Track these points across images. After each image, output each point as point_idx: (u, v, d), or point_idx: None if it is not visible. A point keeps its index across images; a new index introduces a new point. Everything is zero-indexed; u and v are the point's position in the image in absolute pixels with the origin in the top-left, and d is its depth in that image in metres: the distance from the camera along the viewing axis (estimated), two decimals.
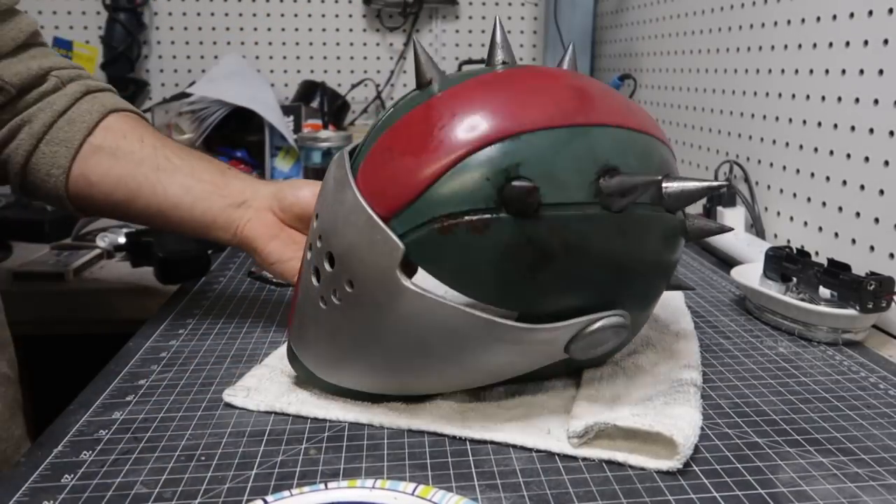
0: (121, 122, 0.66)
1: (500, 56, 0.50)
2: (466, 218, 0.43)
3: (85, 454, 0.46)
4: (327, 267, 0.48)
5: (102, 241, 1.02)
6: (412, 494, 0.38)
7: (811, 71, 0.82)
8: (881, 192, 0.71)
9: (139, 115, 0.70)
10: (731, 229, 0.57)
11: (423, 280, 0.45)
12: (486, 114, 0.44)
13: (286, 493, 0.38)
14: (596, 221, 0.44)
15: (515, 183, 0.43)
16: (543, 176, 0.43)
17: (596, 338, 0.47)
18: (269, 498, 0.38)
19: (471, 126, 0.44)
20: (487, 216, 0.43)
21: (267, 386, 0.54)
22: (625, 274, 0.47)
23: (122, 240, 1.01)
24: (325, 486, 0.39)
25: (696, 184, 0.47)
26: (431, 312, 0.45)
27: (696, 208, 1.04)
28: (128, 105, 0.69)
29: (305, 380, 0.53)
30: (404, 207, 0.44)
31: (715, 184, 0.48)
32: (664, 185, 0.47)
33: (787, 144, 0.87)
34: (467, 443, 0.47)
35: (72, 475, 0.44)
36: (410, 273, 0.46)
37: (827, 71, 0.79)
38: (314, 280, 0.49)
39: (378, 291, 0.45)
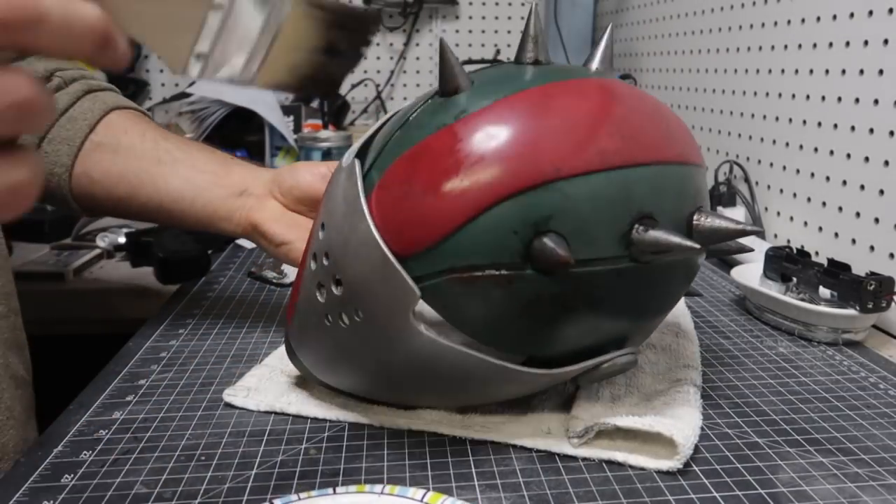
0: (122, 118, 0.67)
1: (530, 52, 0.46)
2: (489, 272, 0.41)
3: (85, 454, 0.46)
4: (335, 290, 0.45)
5: (102, 241, 1.02)
6: (421, 501, 0.38)
7: (811, 71, 0.82)
8: (881, 192, 0.71)
9: (141, 112, 0.70)
10: (751, 250, 0.56)
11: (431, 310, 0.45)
12: (518, 154, 0.41)
13: (294, 496, 0.38)
14: (623, 275, 0.42)
15: (546, 240, 0.40)
16: (575, 230, 0.40)
17: (603, 373, 0.46)
18: (278, 502, 0.38)
19: (500, 168, 0.40)
20: (512, 272, 0.41)
21: (267, 386, 0.54)
22: (643, 317, 0.47)
23: (122, 240, 1.01)
24: (334, 490, 0.39)
25: (728, 224, 0.45)
26: (442, 356, 0.43)
27: None
28: (129, 103, 0.69)
29: (303, 375, 0.53)
30: (422, 251, 0.42)
31: (750, 228, 0.45)
32: (695, 219, 0.45)
33: (787, 144, 0.87)
34: (467, 443, 0.47)
35: (72, 475, 0.44)
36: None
37: (827, 71, 0.79)
38: (319, 296, 0.47)
39: (389, 328, 0.44)
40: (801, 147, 0.84)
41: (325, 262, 0.46)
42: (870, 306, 0.61)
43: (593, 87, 0.45)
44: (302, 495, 0.38)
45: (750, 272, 0.73)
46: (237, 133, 1.42)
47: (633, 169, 0.42)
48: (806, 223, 0.84)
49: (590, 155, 0.41)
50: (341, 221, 0.45)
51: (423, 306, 0.43)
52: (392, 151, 0.44)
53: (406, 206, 0.42)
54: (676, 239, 0.41)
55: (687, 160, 0.46)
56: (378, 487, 0.39)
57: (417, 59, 1.68)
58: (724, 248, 0.52)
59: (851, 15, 0.75)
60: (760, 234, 0.91)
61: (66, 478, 0.44)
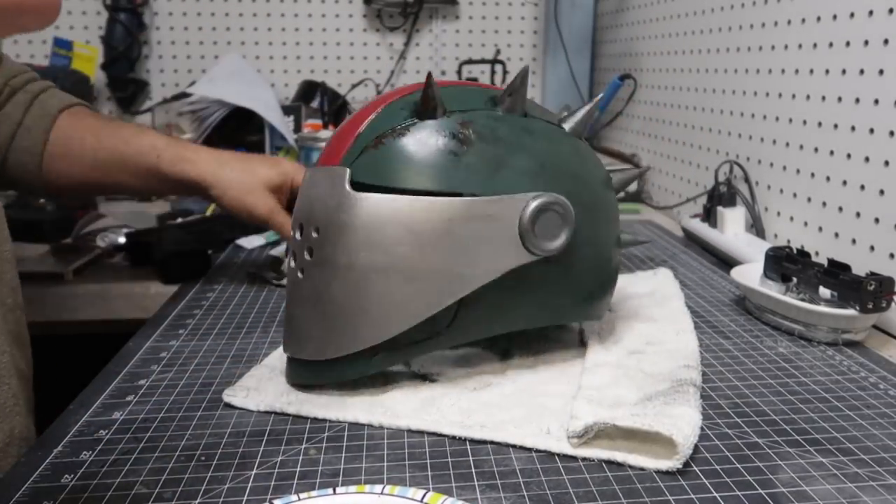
0: (71, 118, 0.74)
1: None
2: (389, 131, 0.52)
3: (85, 454, 0.46)
4: (297, 236, 0.54)
5: (102, 241, 1.02)
6: (420, 502, 0.38)
7: (811, 71, 0.82)
8: (881, 192, 0.71)
9: (84, 106, 0.76)
10: (648, 168, 0.65)
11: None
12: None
13: (294, 497, 0.38)
14: (498, 119, 0.54)
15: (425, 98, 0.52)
16: (447, 98, 0.53)
17: (542, 221, 0.52)
18: (278, 502, 0.38)
19: (389, 94, 0.56)
20: (406, 124, 0.53)
21: (267, 386, 0.54)
22: (544, 165, 0.54)
23: (122, 240, 1.01)
24: (334, 490, 0.39)
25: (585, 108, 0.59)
26: (384, 209, 0.50)
27: (696, 208, 1.04)
28: (70, 99, 0.75)
29: (310, 381, 0.54)
30: (346, 151, 0.53)
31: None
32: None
33: (788, 144, 0.87)
34: (467, 443, 0.47)
35: (72, 475, 0.44)
36: None
37: (827, 71, 0.79)
38: (292, 262, 0.55)
39: (338, 214, 0.51)
40: (801, 147, 0.84)
41: (297, 236, 0.54)
42: (870, 306, 0.61)
43: None
44: (302, 496, 0.38)
45: (750, 272, 0.73)
46: (237, 133, 1.42)
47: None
48: (806, 223, 0.84)
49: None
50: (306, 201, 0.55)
51: None
52: None
53: (332, 141, 0.56)
54: (520, 80, 0.55)
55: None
56: (378, 488, 0.39)
57: (417, 59, 1.68)
58: (625, 175, 0.64)
59: (851, 15, 0.75)
60: (760, 234, 0.91)
61: (66, 478, 0.44)
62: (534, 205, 0.52)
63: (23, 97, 0.72)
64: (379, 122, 0.54)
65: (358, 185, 0.51)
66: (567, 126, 0.58)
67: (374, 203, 0.51)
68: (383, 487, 0.39)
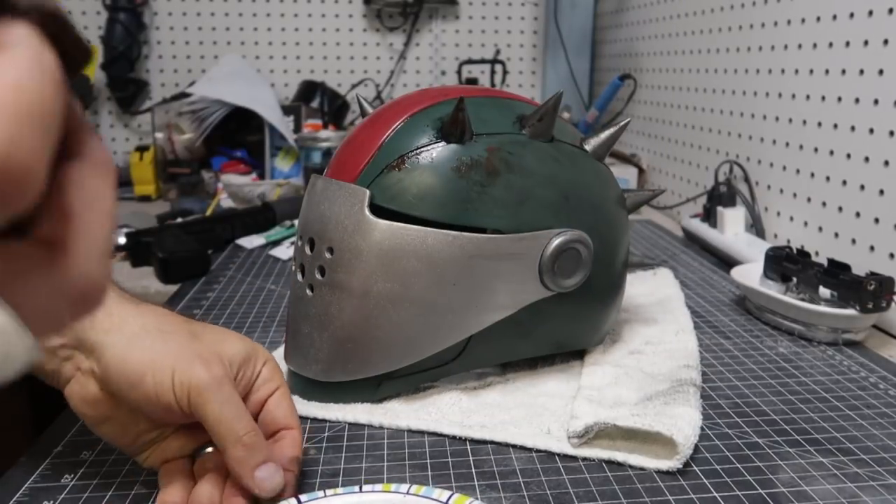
0: None
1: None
2: (414, 152, 0.50)
3: (85, 454, 0.46)
4: (308, 251, 0.52)
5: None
6: (446, 503, 0.37)
7: (811, 71, 0.82)
8: (881, 192, 0.71)
9: None
10: (663, 191, 0.64)
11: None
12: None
13: (320, 493, 0.38)
14: (525, 145, 0.52)
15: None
16: (474, 113, 0.51)
17: (562, 259, 0.51)
18: (303, 497, 0.38)
19: (411, 102, 0.53)
20: (431, 146, 0.50)
21: None
22: (568, 197, 0.53)
23: (122, 240, 1.01)
24: (360, 488, 0.39)
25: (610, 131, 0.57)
26: (405, 240, 0.49)
27: (696, 208, 1.04)
28: None
29: (312, 399, 0.53)
30: (365, 166, 0.51)
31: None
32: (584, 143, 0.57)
33: (787, 144, 0.87)
34: (467, 443, 0.47)
35: (72, 475, 0.44)
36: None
37: (827, 71, 0.79)
38: (300, 276, 0.53)
39: (354, 239, 0.49)
40: (801, 147, 0.84)
41: (306, 250, 0.52)
42: (870, 306, 0.61)
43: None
44: (328, 492, 0.38)
45: (750, 272, 0.73)
46: (237, 133, 1.42)
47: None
48: (806, 223, 0.84)
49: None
50: (310, 211, 0.53)
51: None
52: None
53: (347, 149, 0.54)
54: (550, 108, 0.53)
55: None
56: (404, 487, 0.39)
57: (417, 59, 1.68)
58: (640, 197, 0.61)
59: (851, 15, 0.75)
60: (760, 234, 0.91)
61: (66, 478, 0.44)
62: (556, 242, 0.51)
63: None
64: (401, 138, 0.51)
65: (376, 208, 0.50)
66: (589, 148, 0.57)
67: (395, 232, 0.49)
68: (409, 487, 0.38)
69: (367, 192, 0.50)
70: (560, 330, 0.55)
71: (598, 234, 0.53)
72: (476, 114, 0.51)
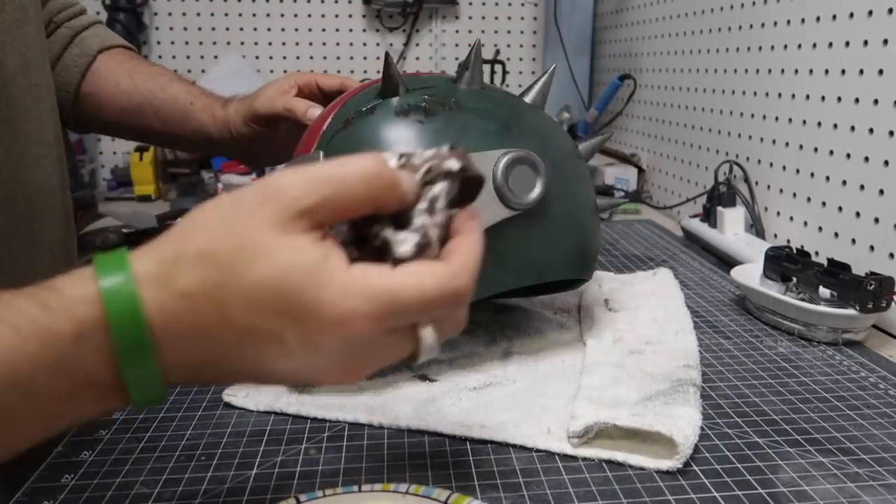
0: (109, 61, 0.74)
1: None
2: (358, 113, 0.55)
3: (85, 454, 0.46)
4: None
5: (102, 242, 1.02)
6: (445, 503, 0.37)
7: (811, 71, 0.82)
8: (881, 192, 0.71)
9: (127, 49, 0.77)
10: (611, 134, 0.69)
11: None
12: None
13: (319, 493, 0.38)
14: (459, 91, 0.57)
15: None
16: (410, 83, 0.57)
17: (514, 175, 0.53)
18: (302, 497, 0.38)
19: (357, 86, 0.62)
20: (372, 104, 0.56)
21: (267, 386, 0.54)
22: (510, 127, 0.55)
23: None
24: (359, 488, 0.39)
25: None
26: None
27: (696, 208, 1.04)
28: (112, 40, 0.75)
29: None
30: (318, 139, 0.56)
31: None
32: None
33: (787, 144, 0.87)
34: (467, 443, 0.47)
35: (72, 475, 0.44)
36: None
37: (827, 71, 0.79)
38: None
39: None
40: (801, 147, 0.84)
41: None
42: (870, 306, 0.61)
43: None
44: (328, 491, 0.38)
45: (750, 272, 0.73)
46: None
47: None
48: (806, 223, 0.84)
49: None
50: None
51: None
52: None
53: (303, 137, 0.60)
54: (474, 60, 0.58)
55: None
56: (403, 487, 0.39)
57: (417, 59, 1.68)
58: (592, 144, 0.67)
59: (851, 15, 0.75)
60: (760, 234, 0.91)
61: (66, 478, 0.44)
62: (505, 159, 0.53)
63: (65, 32, 0.72)
64: (345, 109, 0.57)
65: None
66: (528, 98, 0.61)
67: None
68: (408, 487, 0.38)
69: (321, 153, 0.54)
70: (536, 255, 0.56)
71: (548, 159, 0.55)
72: (411, 80, 0.58)
